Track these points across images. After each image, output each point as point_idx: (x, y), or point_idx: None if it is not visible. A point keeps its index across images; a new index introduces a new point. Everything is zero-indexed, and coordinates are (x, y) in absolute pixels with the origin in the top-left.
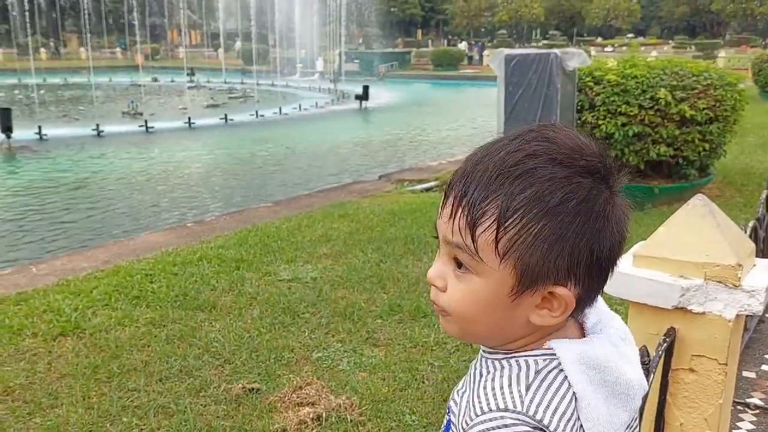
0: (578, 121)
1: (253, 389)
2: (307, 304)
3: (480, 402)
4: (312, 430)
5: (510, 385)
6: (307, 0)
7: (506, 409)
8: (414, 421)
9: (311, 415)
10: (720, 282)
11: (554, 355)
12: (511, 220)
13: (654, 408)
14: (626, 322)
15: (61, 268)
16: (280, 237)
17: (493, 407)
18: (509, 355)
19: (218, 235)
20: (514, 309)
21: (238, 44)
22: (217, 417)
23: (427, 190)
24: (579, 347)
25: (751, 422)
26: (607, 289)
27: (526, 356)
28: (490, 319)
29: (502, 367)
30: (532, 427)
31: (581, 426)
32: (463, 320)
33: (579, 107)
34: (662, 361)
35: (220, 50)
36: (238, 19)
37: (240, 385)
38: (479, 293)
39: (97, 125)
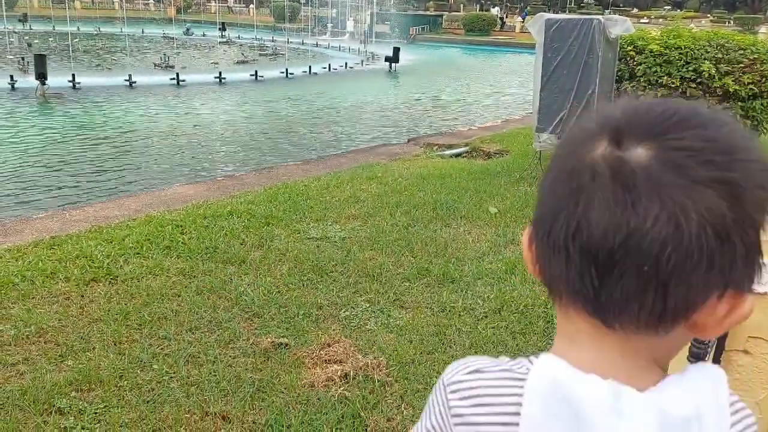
0: (617, 92)
1: (281, 344)
2: (335, 263)
3: None
4: (339, 387)
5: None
6: None
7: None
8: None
9: (339, 373)
10: None
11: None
12: None
13: None
14: None
15: (93, 215)
16: (309, 196)
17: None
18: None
19: (248, 191)
20: None
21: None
22: (246, 369)
23: (457, 155)
24: (559, 367)
25: None
26: None
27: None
28: None
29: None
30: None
31: None
32: None
33: (618, 77)
34: (716, 342)
35: (252, 6)
36: None
37: (269, 339)
38: None
39: (130, 76)
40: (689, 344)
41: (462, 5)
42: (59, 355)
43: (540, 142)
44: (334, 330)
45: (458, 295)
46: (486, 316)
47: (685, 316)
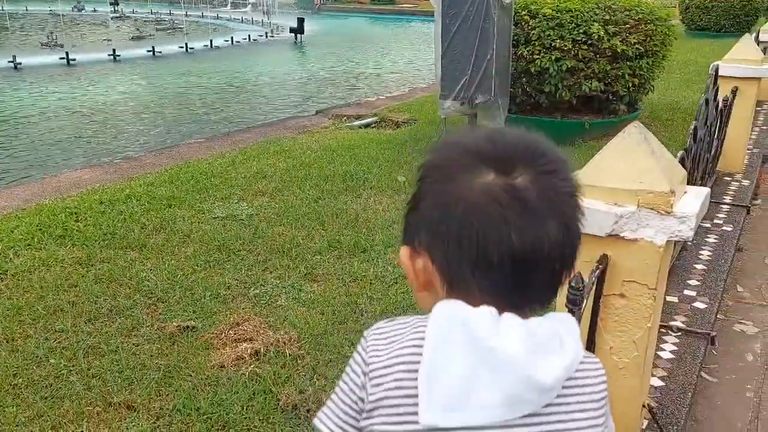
0: (514, 56)
1: (188, 327)
2: (242, 242)
3: None
4: (250, 365)
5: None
6: None
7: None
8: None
9: (249, 351)
10: (652, 209)
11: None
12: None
13: (585, 333)
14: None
15: None
16: (213, 174)
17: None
18: None
19: (147, 172)
20: (409, 279)
21: None
22: (151, 356)
23: (366, 126)
24: (457, 305)
25: (673, 344)
26: None
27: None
28: (414, 294)
29: None
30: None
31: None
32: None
33: (515, 41)
34: (594, 287)
35: None
36: None
37: (174, 324)
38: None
39: (14, 57)
40: (566, 292)
41: None
42: None
43: (444, 109)
44: (243, 309)
45: (369, 264)
46: (396, 282)
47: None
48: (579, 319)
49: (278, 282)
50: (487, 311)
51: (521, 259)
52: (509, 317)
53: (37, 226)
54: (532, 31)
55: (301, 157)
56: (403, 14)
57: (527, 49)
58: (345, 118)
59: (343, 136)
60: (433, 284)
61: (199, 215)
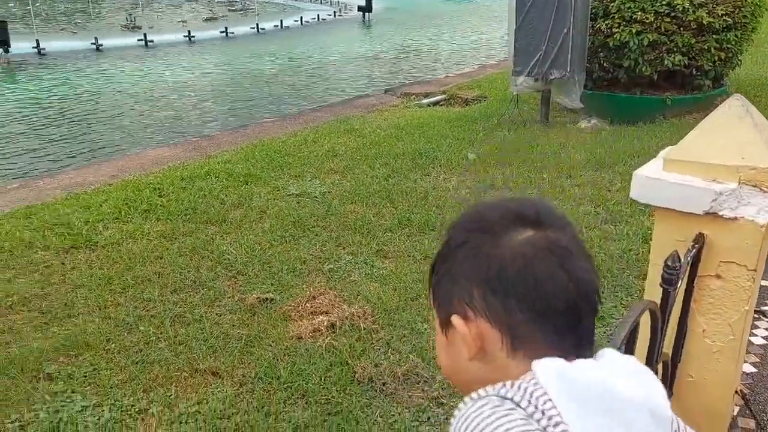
0: (591, 29)
1: (267, 299)
2: (316, 218)
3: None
4: (326, 337)
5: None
6: None
7: (479, 395)
8: (425, 329)
9: (325, 323)
10: (755, 186)
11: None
12: (432, 272)
13: (677, 315)
14: (653, 230)
15: (68, 182)
16: (287, 152)
17: (468, 399)
18: None
19: (224, 150)
20: (453, 348)
21: None
22: (233, 326)
23: (435, 104)
24: (559, 362)
25: (766, 329)
26: (636, 195)
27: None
28: (450, 367)
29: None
30: (500, 397)
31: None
32: (443, 371)
33: (593, 14)
34: (689, 268)
35: None
36: None
37: (254, 296)
38: (437, 341)
39: (96, 39)
40: (661, 271)
41: None
42: (44, 323)
43: (516, 85)
44: (318, 283)
45: (440, 241)
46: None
47: None
48: (673, 301)
49: (351, 258)
50: (588, 363)
51: (581, 304)
52: (611, 359)
53: (124, 200)
54: (612, 4)
55: (370, 136)
56: None
57: (606, 22)
58: (414, 96)
59: (412, 114)
60: (487, 350)
61: (274, 192)
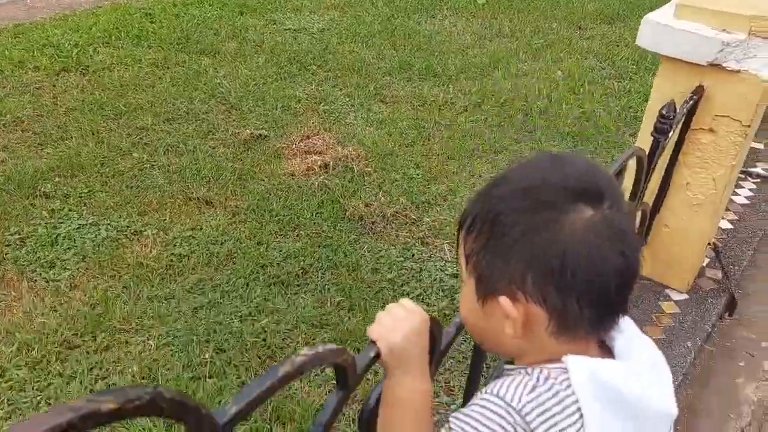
0: None
1: (261, 135)
2: (313, 56)
3: (488, 387)
4: (319, 176)
5: (518, 385)
6: None
7: (502, 398)
8: (418, 175)
9: (318, 163)
10: (765, 38)
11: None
12: (470, 231)
13: (664, 167)
14: (654, 80)
15: (56, 3)
16: None
17: (494, 392)
18: (524, 368)
19: None
20: (489, 318)
21: None
22: (227, 159)
23: None
24: (593, 364)
25: (750, 189)
26: (643, 42)
27: (539, 368)
28: (478, 327)
29: (516, 375)
30: (511, 426)
31: None
32: (467, 326)
33: None
34: (683, 120)
35: None
36: None
37: (248, 131)
38: (465, 298)
39: None
40: (655, 120)
41: None
42: (38, 144)
43: None
44: (313, 123)
45: (440, 89)
46: (466, 110)
47: None
48: (661, 151)
49: (348, 99)
50: (629, 367)
51: (629, 283)
52: (651, 358)
53: (114, 24)
54: None
55: None
56: None
57: None
58: None
59: None
60: (530, 329)
61: (270, 25)
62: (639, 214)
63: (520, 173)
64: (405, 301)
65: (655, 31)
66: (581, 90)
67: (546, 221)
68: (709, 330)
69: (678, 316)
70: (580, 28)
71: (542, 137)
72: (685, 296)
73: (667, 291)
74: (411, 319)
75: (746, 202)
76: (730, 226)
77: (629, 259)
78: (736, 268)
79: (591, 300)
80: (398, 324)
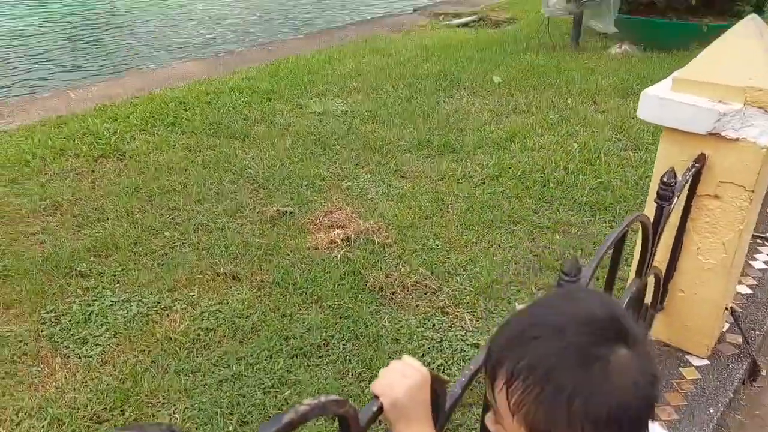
0: None
1: (286, 212)
2: (337, 137)
3: None
4: (341, 249)
5: None
6: None
7: None
8: (437, 245)
9: (341, 236)
10: (760, 107)
11: None
12: (515, 385)
13: (673, 234)
14: (658, 149)
15: (97, 94)
16: (311, 70)
17: None
18: None
19: (249, 67)
20: None
21: None
22: (253, 235)
23: (464, 25)
24: None
25: (767, 254)
26: (643, 114)
27: None
28: None
29: None
30: None
31: None
32: None
33: None
34: (688, 186)
35: None
36: None
37: (274, 208)
38: (497, 425)
39: None
40: (657, 188)
41: None
42: (76, 225)
43: (548, 7)
44: (336, 199)
45: (458, 164)
46: (483, 182)
47: None
48: (666, 217)
49: (369, 176)
50: None
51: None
52: None
53: (150, 113)
54: None
55: (396, 56)
56: None
57: None
58: (443, 16)
59: (440, 35)
60: None
61: (296, 110)
62: (651, 278)
63: (549, 318)
64: (407, 358)
65: (654, 104)
66: (597, 161)
67: (597, 376)
68: (732, 396)
69: (699, 382)
70: (595, 103)
71: (560, 207)
72: (705, 362)
73: (687, 357)
74: (413, 376)
75: (765, 267)
76: (749, 291)
77: (655, 398)
78: (757, 332)
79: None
80: (400, 380)
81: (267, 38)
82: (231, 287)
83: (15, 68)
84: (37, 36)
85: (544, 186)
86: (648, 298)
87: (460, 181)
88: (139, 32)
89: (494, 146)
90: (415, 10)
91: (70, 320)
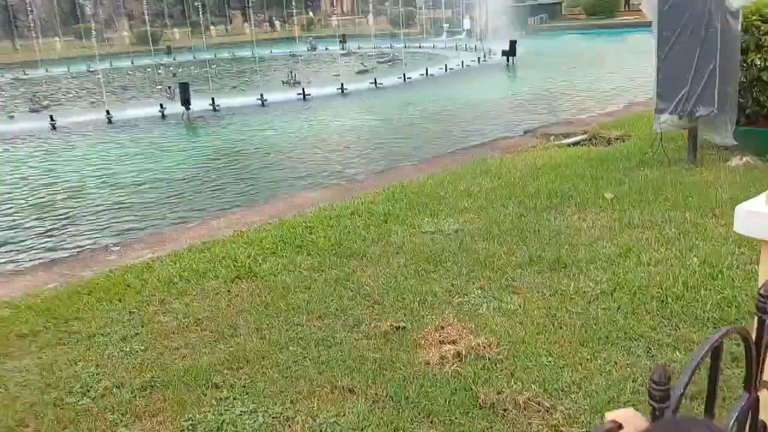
0: (743, 63)
1: (399, 327)
2: (448, 254)
3: None
4: (453, 365)
5: None
6: None
7: None
8: (550, 362)
9: (452, 352)
10: None
11: None
12: None
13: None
14: (758, 264)
15: (236, 221)
16: (424, 193)
17: None
18: None
19: (368, 192)
20: None
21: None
22: (369, 350)
23: (575, 144)
24: None
25: None
26: (738, 228)
27: None
28: None
29: None
30: None
31: None
32: None
33: (744, 48)
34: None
35: (370, 16)
36: None
37: (388, 323)
38: None
39: (261, 95)
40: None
41: None
42: (213, 341)
43: (660, 123)
44: (447, 314)
45: (570, 279)
46: (597, 298)
47: None
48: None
49: (480, 292)
50: None
51: None
52: None
53: (280, 237)
54: (765, 36)
55: (506, 176)
56: (624, 27)
57: (759, 55)
58: (553, 136)
59: (550, 154)
60: None
61: (410, 230)
62: (761, 394)
63: None
64: None
65: (748, 218)
66: (720, 276)
67: None
68: None
69: None
70: (715, 216)
71: (680, 324)
72: None
73: None
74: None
75: None
76: None
77: None
78: None
79: None
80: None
81: (384, 165)
82: (347, 400)
83: (166, 204)
84: (186, 174)
85: (662, 302)
86: (764, 415)
87: (573, 296)
88: (273, 164)
89: (608, 261)
90: (525, 132)
91: (204, 428)
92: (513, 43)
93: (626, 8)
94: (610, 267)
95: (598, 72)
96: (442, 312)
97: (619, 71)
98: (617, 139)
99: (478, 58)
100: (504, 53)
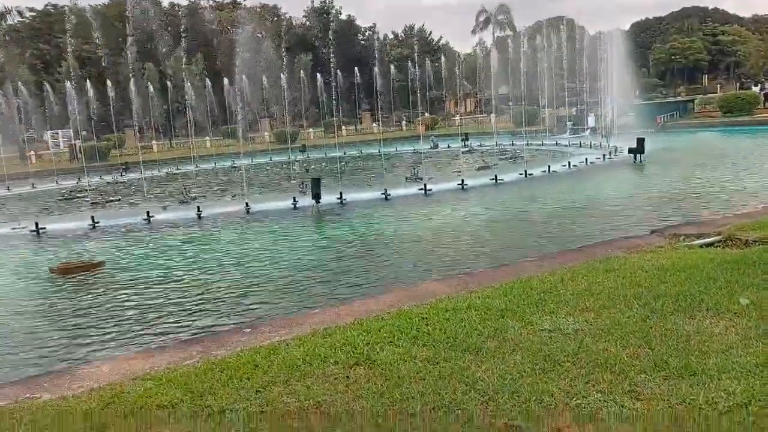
0: None
1: (514, 426)
2: (567, 354)
3: None
4: None
5: None
6: (573, 58)
7: None
8: None
9: None
10: None
11: None
12: None
13: None
14: None
15: (357, 309)
16: (543, 289)
17: None
18: None
19: (485, 286)
20: None
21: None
22: None
23: (708, 245)
24: None
25: None
26: None
27: None
28: None
29: None
30: None
31: None
32: None
33: None
34: None
35: (492, 115)
36: (510, 84)
37: (502, 422)
38: None
39: (385, 190)
40: None
41: (719, 86)
42: (331, 425)
43: None
44: (565, 416)
45: (699, 387)
46: (730, 410)
47: None
48: None
49: (600, 396)
50: None
51: None
52: None
53: (397, 327)
54: None
55: (630, 276)
56: (761, 124)
57: None
58: (683, 237)
59: (680, 255)
60: None
61: (528, 326)
62: None
63: None
64: None
65: None
66: None
67: None
68: None
69: None
70: None
71: None
72: None
73: None
74: None
75: None
76: None
77: None
78: None
79: None
80: None
81: (503, 260)
82: None
83: (293, 290)
84: (313, 263)
85: None
86: None
87: (702, 406)
88: (395, 254)
89: (743, 371)
90: (652, 232)
91: None
92: (641, 141)
93: (765, 105)
94: (745, 377)
95: (733, 171)
96: (560, 414)
97: (757, 171)
98: (756, 241)
99: (603, 155)
100: (631, 150)
